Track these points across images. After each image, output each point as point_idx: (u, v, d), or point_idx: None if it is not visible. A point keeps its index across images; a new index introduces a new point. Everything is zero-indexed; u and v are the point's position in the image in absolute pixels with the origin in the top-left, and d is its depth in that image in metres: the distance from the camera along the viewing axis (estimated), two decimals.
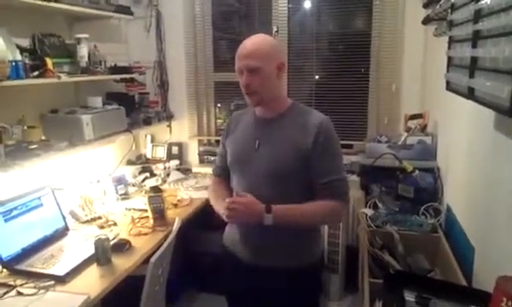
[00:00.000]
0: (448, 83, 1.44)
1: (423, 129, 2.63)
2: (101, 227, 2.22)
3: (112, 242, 1.94)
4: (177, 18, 3.21)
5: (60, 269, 1.72)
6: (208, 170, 3.26)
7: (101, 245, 1.82)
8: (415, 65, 2.84)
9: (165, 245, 1.85)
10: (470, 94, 1.15)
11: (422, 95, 2.85)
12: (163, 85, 3.31)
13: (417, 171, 2.15)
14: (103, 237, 1.83)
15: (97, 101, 2.53)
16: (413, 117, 2.72)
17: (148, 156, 3.39)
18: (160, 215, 2.23)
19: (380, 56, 2.94)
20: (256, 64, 1.42)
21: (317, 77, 3.19)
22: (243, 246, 1.57)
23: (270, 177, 1.47)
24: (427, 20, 2.32)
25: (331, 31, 3.16)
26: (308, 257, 1.55)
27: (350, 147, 2.98)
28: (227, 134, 1.69)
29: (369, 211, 2.06)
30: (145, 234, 2.14)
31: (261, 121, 1.56)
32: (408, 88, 2.90)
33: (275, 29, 3.10)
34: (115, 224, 2.26)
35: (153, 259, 1.71)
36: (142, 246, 2.02)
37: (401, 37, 2.84)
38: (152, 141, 3.43)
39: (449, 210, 1.97)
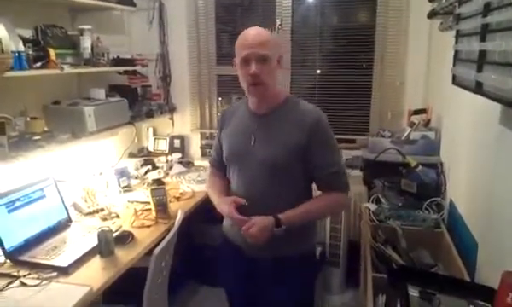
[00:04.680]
0: (454, 77, 1.43)
1: (427, 124, 2.62)
2: (104, 219, 2.21)
3: (115, 234, 1.94)
4: (179, 10, 3.19)
5: (63, 261, 1.72)
6: None
7: (104, 237, 1.82)
8: (419, 59, 2.82)
9: (168, 237, 1.85)
10: (478, 88, 1.14)
11: (426, 90, 2.83)
12: (165, 78, 3.30)
13: (421, 166, 2.15)
14: (106, 229, 1.83)
15: (100, 93, 2.52)
16: (416, 112, 2.71)
17: (150, 149, 3.39)
18: (162, 207, 2.23)
19: (384, 51, 2.92)
20: (267, 53, 1.41)
21: (318, 71, 3.17)
22: (241, 236, 1.56)
23: (266, 173, 1.48)
24: (432, 14, 2.30)
25: (335, 24, 3.14)
26: (303, 246, 1.58)
27: (353, 141, 2.97)
28: (221, 128, 1.69)
29: (372, 206, 2.06)
30: (148, 226, 2.14)
31: (256, 116, 1.55)
32: (412, 83, 2.88)
33: (278, 22, 3.08)
34: (118, 217, 2.25)
35: (156, 251, 1.71)
36: (144, 238, 2.02)
37: (405, 31, 2.82)
38: (154, 133, 3.42)
39: (452, 205, 1.97)
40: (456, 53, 1.42)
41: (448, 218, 1.98)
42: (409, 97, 2.90)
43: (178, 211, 2.11)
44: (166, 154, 3.29)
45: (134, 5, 2.95)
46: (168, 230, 2.06)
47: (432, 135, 2.43)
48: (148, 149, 3.39)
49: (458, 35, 1.41)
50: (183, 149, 3.39)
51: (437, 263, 1.70)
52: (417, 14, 2.73)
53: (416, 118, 2.66)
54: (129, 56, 2.87)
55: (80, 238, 1.98)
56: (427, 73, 2.81)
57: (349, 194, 1.57)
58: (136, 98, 3.01)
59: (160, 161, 3.18)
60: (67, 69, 2.18)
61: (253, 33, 1.45)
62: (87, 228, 2.08)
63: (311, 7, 3.15)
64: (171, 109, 3.31)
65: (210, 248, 2.96)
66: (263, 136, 1.51)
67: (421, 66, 2.83)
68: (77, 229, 2.09)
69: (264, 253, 1.52)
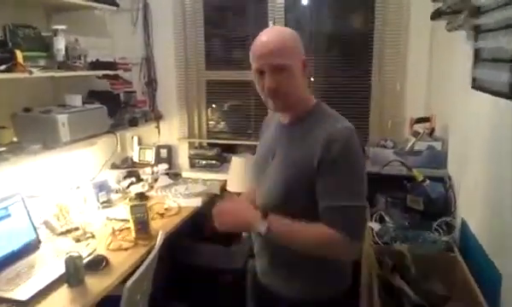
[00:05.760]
0: (474, 80, 1.23)
1: (431, 133, 2.44)
2: (78, 240, 1.99)
3: (86, 259, 1.73)
4: (166, 11, 2.98)
5: (23, 293, 1.50)
6: (199, 175, 3.05)
7: (72, 263, 1.60)
8: (420, 64, 2.63)
9: (146, 264, 1.64)
10: None
11: (429, 97, 2.64)
12: (151, 83, 3.08)
13: (428, 181, 1.95)
14: (75, 255, 1.61)
15: (76, 100, 2.30)
16: (419, 120, 2.53)
17: (135, 159, 3.16)
18: (142, 226, 2.02)
19: (382, 55, 2.73)
20: (283, 61, 1.20)
21: (312, 79, 2.97)
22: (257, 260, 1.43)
23: (278, 194, 1.27)
24: (436, 15, 2.12)
25: (330, 27, 2.95)
26: (323, 290, 1.31)
27: None
28: (260, 137, 1.53)
29: (376, 226, 1.85)
30: (125, 249, 1.92)
31: (280, 127, 1.36)
32: (413, 89, 2.69)
33: (271, 25, 2.89)
34: (93, 236, 2.03)
35: (128, 283, 1.50)
36: (121, 263, 1.80)
37: (406, 33, 2.63)
38: (139, 143, 3.20)
39: (464, 225, 1.77)
40: (477, 52, 1.23)
41: (460, 240, 1.78)
42: (410, 105, 2.71)
43: (159, 232, 1.90)
44: (152, 165, 3.07)
45: (117, 5, 2.73)
46: (148, 253, 1.85)
47: (438, 145, 2.24)
48: (132, 160, 3.16)
49: (479, 31, 1.21)
50: (170, 160, 3.16)
51: (451, 294, 1.50)
52: (418, 15, 2.55)
53: (419, 127, 2.48)
54: (111, 59, 2.65)
55: (49, 263, 1.77)
56: (430, 79, 2.62)
57: (357, 246, 1.21)
58: (119, 105, 2.79)
59: (145, 173, 2.96)
60: (37, 73, 1.96)
61: (264, 39, 1.23)
62: (58, 250, 1.87)
63: (306, 9, 2.96)
64: (157, 117, 3.09)
65: (198, 267, 2.76)
66: (280, 151, 1.31)
67: (422, 72, 2.64)
68: (47, 252, 1.89)
69: (281, 292, 1.34)
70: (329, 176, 1.17)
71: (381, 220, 1.94)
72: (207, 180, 2.98)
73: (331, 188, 1.17)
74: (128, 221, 2.09)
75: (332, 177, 1.16)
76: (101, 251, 1.89)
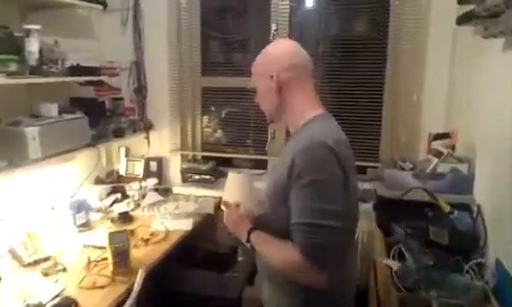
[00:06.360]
0: None
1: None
2: (46, 274, 1.71)
3: (51, 303, 1.45)
4: (159, 11, 2.72)
5: None
6: (191, 190, 2.78)
7: None
8: (441, 72, 2.37)
9: None
10: None
11: (449, 110, 2.37)
12: (141, 90, 2.81)
13: (456, 212, 1.68)
14: (34, 302, 1.34)
15: (52, 109, 2.03)
16: (437, 136, 2.26)
17: (122, 173, 2.88)
18: (121, 259, 1.74)
19: (397, 61, 2.46)
20: (254, 80, 1.35)
21: (317, 81, 2.70)
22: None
23: (269, 203, 1.28)
24: (464, 19, 1.85)
25: (338, 31, 2.68)
26: None
27: (362, 171, 2.49)
28: None
29: (395, 264, 1.57)
30: (101, 286, 1.63)
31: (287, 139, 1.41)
32: (431, 100, 2.42)
33: (274, 27, 2.62)
34: (64, 270, 1.75)
35: None
36: (94, 306, 1.52)
37: (424, 38, 2.37)
38: (127, 154, 2.92)
39: (499, 266, 1.49)
40: None
41: (494, 285, 1.50)
42: (427, 118, 2.44)
43: (140, 269, 1.62)
44: (140, 179, 2.79)
45: (104, 4, 2.47)
46: (128, 292, 1.58)
47: (463, 168, 1.96)
48: (118, 173, 2.88)
49: None
50: (160, 173, 2.89)
51: None
52: (438, 18, 2.31)
53: (438, 144, 2.21)
54: (95, 64, 2.37)
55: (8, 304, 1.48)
56: (451, 90, 2.36)
57: (322, 273, 1.10)
58: (104, 114, 2.52)
59: (132, 188, 2.68)
60: (1, 79, 1.69)
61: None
62: (20, 288, 1.58)
63: (312, 11, 2.70)
64: (146, 127, 2.82)
65: (188, 295, 2.47)
66: (277, 162, 1.36)
67: (443, 81, 2.37)
68: (7, 290, 1.60)
69: None
70: (295, 192, 1.14)
71: (400, 256, 1.66)
72: (200, 196, 2.71)
73: (296, 203, 1.14)
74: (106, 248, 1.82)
75: (297, 193, 1.13)
76: (72, 289, 1.61)
